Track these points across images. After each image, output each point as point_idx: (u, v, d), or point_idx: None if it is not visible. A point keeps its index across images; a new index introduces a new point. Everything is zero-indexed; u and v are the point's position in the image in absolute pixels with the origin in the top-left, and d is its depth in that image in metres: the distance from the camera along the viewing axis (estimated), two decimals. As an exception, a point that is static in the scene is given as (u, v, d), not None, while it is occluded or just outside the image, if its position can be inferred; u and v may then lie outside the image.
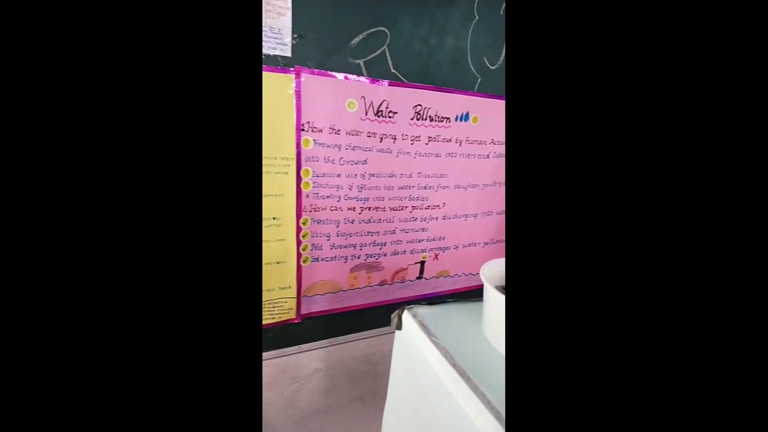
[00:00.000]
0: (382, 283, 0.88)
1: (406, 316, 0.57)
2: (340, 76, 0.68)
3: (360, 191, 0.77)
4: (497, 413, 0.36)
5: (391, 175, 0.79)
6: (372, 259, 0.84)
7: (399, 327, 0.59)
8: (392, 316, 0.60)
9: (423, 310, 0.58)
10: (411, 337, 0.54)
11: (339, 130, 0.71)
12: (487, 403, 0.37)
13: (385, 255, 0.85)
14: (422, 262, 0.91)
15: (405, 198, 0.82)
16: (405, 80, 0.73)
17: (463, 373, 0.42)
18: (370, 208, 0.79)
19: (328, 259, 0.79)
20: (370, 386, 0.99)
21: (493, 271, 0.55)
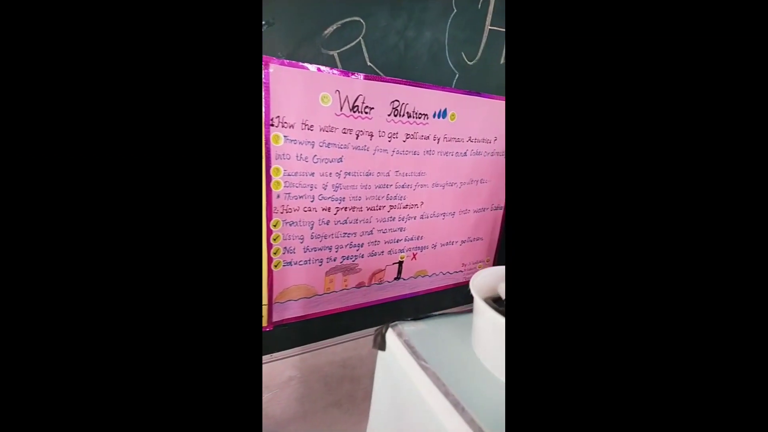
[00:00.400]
0: (360, 286, 0.84)
1: (390, 335, 0.51)
2: (313, 67, 0.62)
3: (335, 191, 0.72)
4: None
5: (368, 174, 0.75)
6: (349, 261, 0.80)
7: (382, 347, 0.52)
8: (374, 334, 0.54)
9: (408, 328, 0.52)
10: (396, 360, 0.49)
11: (312, 126, 0.65)
12: None
13: (362, 256, 0.82)
14: (400, 263, 0.88)
15: (382, 197, 0.78)
16: (381, 74, 0.68)
17: (456, 404, 0.38)
18: (346, 208, 0.75)
19: (301, 263, 0.74)
20: (347, 390, 0.96)
21: (482, 282, 0.51)
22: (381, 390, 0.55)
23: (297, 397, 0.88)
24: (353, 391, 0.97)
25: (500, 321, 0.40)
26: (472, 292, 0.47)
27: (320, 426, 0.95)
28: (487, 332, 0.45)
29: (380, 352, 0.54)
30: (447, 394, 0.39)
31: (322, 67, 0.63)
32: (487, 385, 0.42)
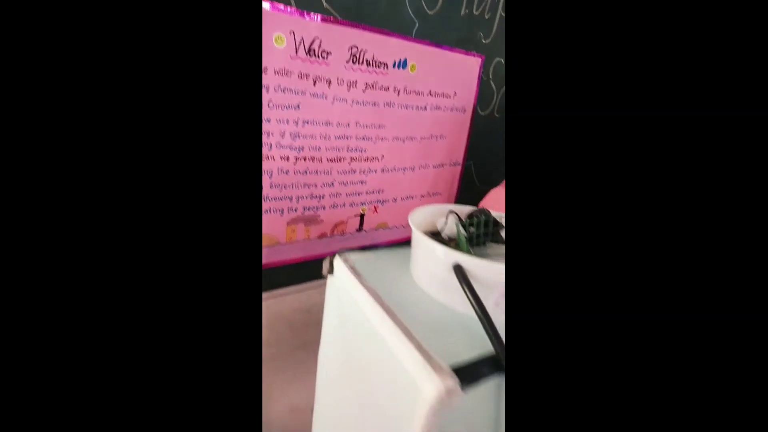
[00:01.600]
0: (322, 236, 0.84)
1: (338, 261, 0.55)
2: (266, 5, 0.57)
3: (294, 139, 0.69)
4: (419, 346, 0.35)
5: (327, 124, 0.72)
6: (310, 212, 0.79)
7: (331, 272, 0.56)
8: (324, 261, 0.58)
9: (355, 256, 0.56)
10: (342, 282, 0.52)
11: (266, 69, 0.61)
12: (411, 338, 0.37)
13: (323, 208, 0.81)
14: (362, 215, 0.88)
15: (343, 149, 0.76)
16: (338, 16, 0.64)
17: (389, 311, 0.41)
18: (305, 158, 0.73)
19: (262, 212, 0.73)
20: (313, 334, 0.98)
21: (420, 217, 0.54)
22: (330, 310, 0.59)
23: (264, 340, 0.90)
24: (319, 335, 1.00)
25: (436, 247, 0.43)
26: (411, 224, 0.49)
27: (289, 366, 0.98)
28: (424, 258, 0.48)
29: (329, 277, 0.57)
30: (382, 304, 0.42)
31: (276, 5, 0.58)
32: (418, 300, 0.46)
